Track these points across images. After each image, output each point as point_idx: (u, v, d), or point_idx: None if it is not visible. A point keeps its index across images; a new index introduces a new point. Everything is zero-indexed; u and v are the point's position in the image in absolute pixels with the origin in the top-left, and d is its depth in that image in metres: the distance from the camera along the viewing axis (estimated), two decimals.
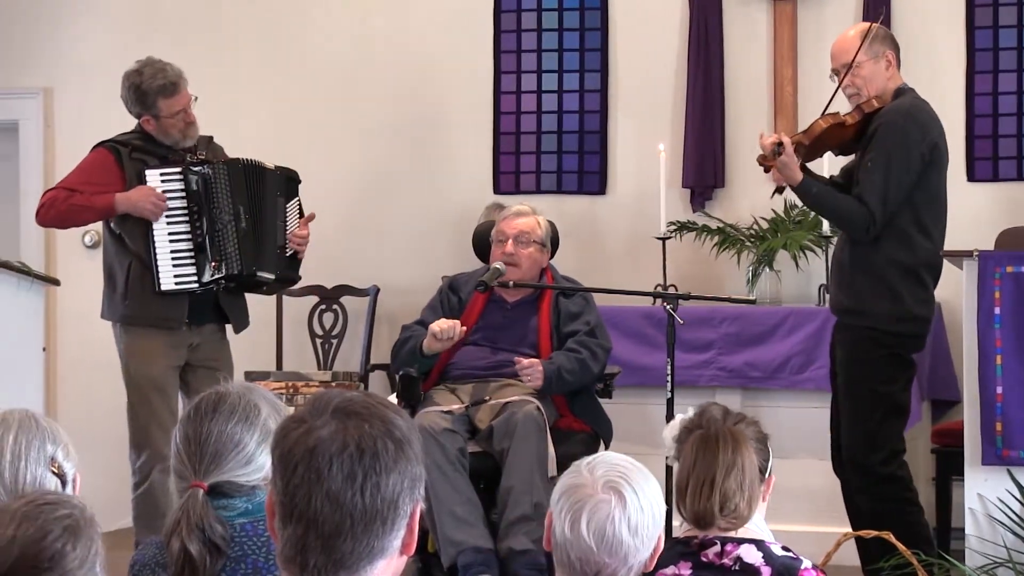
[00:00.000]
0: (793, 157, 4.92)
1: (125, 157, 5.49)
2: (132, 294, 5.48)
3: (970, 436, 4.74)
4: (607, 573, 2.49)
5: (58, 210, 5.45)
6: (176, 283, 5.46)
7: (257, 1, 7.57)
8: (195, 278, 5.48)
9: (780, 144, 4.90)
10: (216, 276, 5.49)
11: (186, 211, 5.49)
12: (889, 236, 4.91)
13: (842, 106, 5.09)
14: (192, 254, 5.48)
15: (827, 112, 5.03)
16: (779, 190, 5.13)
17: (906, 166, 4.87)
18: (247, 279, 5.59)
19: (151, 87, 5.46)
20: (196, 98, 5.57)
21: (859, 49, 4.95)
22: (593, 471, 2.53)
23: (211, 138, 5.73)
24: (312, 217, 5.74)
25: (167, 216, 5.46)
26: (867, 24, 5.16)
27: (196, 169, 5.51)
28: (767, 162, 4.99)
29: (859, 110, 5.00)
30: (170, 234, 5.48)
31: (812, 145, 5.04)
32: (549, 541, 2.55)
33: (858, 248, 4.99)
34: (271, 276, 5.64)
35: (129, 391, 5.53)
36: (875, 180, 4.87)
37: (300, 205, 5.75)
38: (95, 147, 5.59)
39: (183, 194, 5.49)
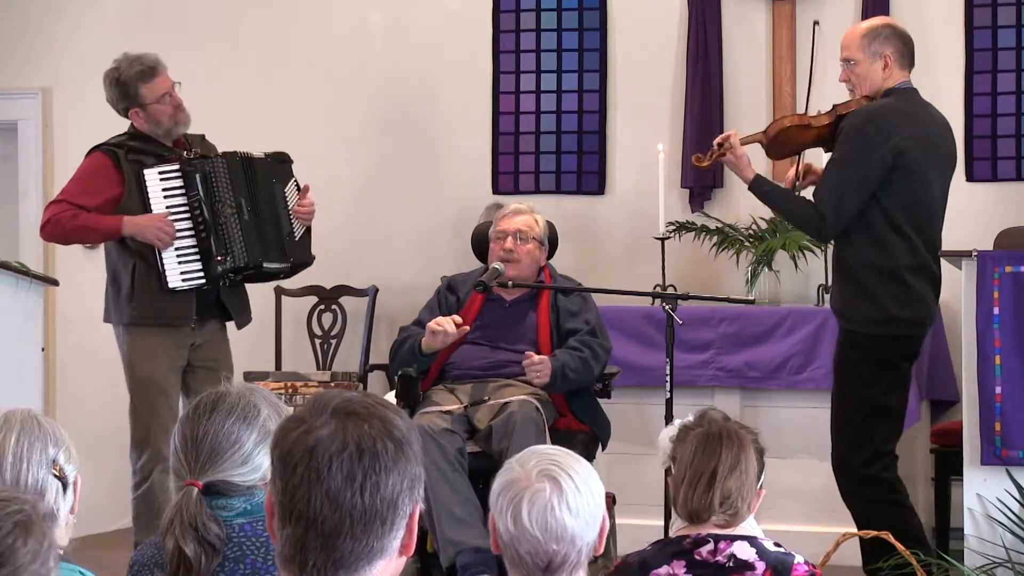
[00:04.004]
0: (741, 157, 4.96)
1: (122, 159, 5.47)
2: (139, 294, 5.45)
3: (969, 436, 4.74)
4: (558, 561, 2.48)
5: (63, 228, 5.42)
6: (184, 280, 5.45)
7: (256, 1, 7.57)
8: (202, 274, 5.47)
9: (721, 145, 4.94)
10: (222, 269, 5.48)
11: (187, 207, 5.47)
12: (863, 239, 4.88)
13: (843, 98, 5.09)
14: (197, 250, 5.47)
15: (803, 112, 5.05)
16: None
17: (862, 171, 4.81)
18: (254, 271, 5.58)
19: (130, 76, 5.46)
20: (179, 83, 5.55)
21: (858, 47, 4.95)
22: (525, 464, 2.55)
23: (203, 136, 5.71)
24: (307, 188, 5.70)
25: (171, 213, 5.46)
26: (877, 21, 5.10)
27: (195, 164, 5.49)
28: (700, 163, 5.06)
29: (833, 111, 5.00)
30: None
31: (775, 143, 5.06)
32: (496, 544, 2.55)
33: (838, 251, 5.01)
34: (285, 265, 5.63)
35: (132, 393, 5.52)
36: (829, 183, 4.88)
37: (296, 183, 5.72)
38: (90, 152, 5.56)
39: (183, 191, 5.48)
